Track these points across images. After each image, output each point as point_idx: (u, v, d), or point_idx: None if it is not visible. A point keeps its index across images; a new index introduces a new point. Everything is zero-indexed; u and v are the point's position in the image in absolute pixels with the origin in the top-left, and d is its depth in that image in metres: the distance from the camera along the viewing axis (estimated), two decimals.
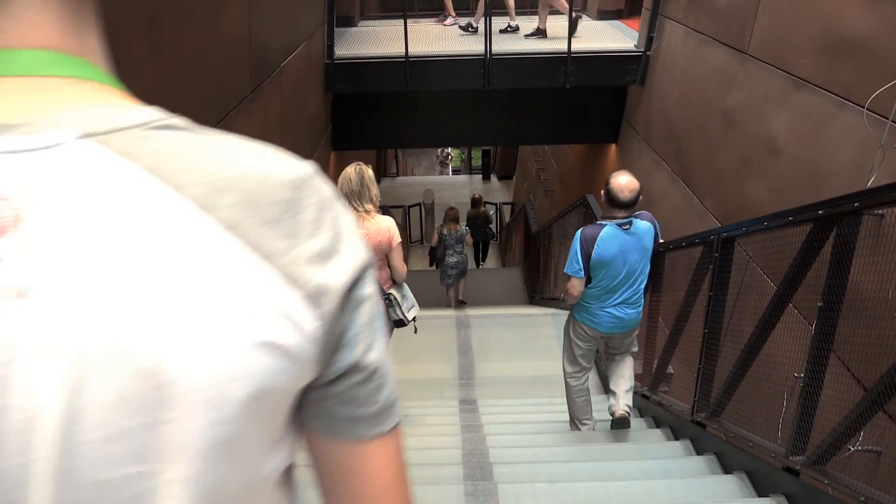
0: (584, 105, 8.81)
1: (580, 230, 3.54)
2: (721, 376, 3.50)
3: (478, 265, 13.02)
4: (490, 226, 12.56)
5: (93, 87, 0.53)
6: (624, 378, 4.01)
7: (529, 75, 7.99)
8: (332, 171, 9.17)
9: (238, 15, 4.32)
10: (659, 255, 4.53)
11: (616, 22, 9.64)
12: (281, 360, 0.51)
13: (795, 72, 4.08)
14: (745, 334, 3.23)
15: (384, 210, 5.11)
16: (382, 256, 3.80)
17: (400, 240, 3.86)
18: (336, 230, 0.54)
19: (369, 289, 0.56)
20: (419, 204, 14.80)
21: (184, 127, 0.53)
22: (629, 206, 3.46)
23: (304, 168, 0.55)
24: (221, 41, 4.03)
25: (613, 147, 8.85)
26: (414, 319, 3.97)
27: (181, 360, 0.48)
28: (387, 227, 3.75)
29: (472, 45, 8.10)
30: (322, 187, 0.55)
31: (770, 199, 4.29)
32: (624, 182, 3.44)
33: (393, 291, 3.90)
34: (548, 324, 6.75)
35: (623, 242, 3.48)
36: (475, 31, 8.48)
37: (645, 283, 3.68)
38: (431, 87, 8.17)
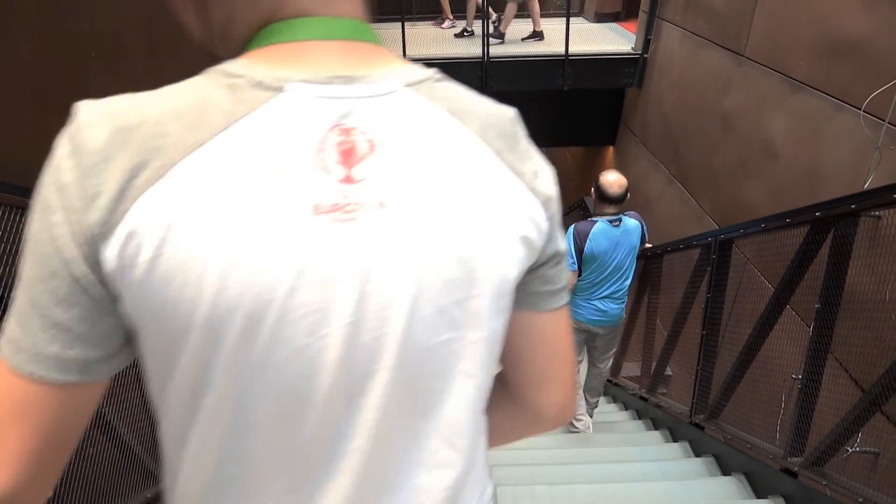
0: (581, 107, 8.83)
1: (573, 226, 3.64)
2: (719, 378, 3.50)
3: None
4: None
5: (381, 49, 0.66)
6: (594, 389, 4.24)
7: (527, 78, 8.01)
8: None
9: None
10: (656, 257, 4.54)
11: (613, 24, 9.66)
12: (528, 250, 0.67)
13: (792, 74, 4.09)
14: (743, 336, 3.23)
15: None
16: None
17: None
18: (535, 155, 0.70)
19: (548, 197, 0.70)
20: None
21: (447, 79, 0.67)
22: (619, 202, 3.59)
23: (511, 108, 0.70)
24: None
25: (611, 149, 8.87)
26: None
27: (484, 252, 0.63)
28: None
29: (470, 48, 8.11)
30: (522, 123, 0.71)
31: (767, 201, 4.30)
32: (613, 178, 3.59)
33: None
34: None
35: (613, 238, 3.60)
36: (471, 34, 8.49)
37: (630, 279, 3.79)
38: None
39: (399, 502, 0.68)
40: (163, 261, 0.55)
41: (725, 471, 3.29)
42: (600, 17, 10.04)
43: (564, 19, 7.72)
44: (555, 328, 0.76)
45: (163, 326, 0.57)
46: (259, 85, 0.59)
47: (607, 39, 8.83)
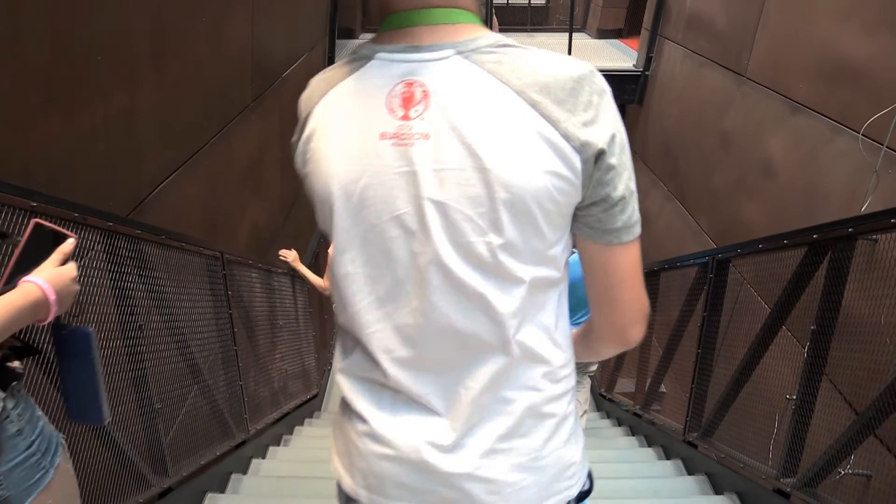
0: None
1: None
2: (713, 396, 3.51)
3: None
4: None
5: (467, 26, 0.90)
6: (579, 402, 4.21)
7: None
8: None
9: (242, 26, 4.35)
10: (653, 274, 4.55)
11: (615, 41, 9.72)
12: (560, 181, 0.85)
13: (792, 96, 4.12)
14: (739, 355, 3.24)
15: None
16: None
17: None
18: (599, 110, 0.85)
19: (615, 152, 0.87)
20: None
21: (513, 45, 0.88)
22: None
23: (585, 68, 0.87)
24: (224, 51, 4.05)
25: None
26: None
27: (502, 175, 0.84)
28: None
29: None
30: (597, 81, 0.87)
31: (765, 221, 4.32)
32: None
33: None
34: None
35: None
36: None
37: None
38: None
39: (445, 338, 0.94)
40: (309, 154, 0.96)
41: (718, 490, 3.29)
42: (603, 34, 10.10)
43: (567, 34, 7.77)
44: (610, 259, 0.94)
45: (315, 196, 0.97)
46: (362, 56, 0.93)
47: (609, 56, 8.88)
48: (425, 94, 0.87)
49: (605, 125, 0.85)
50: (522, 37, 9.87)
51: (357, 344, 1.01)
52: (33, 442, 1.17)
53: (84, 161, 2.41)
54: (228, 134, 4.10)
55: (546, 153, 0.84)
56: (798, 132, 4.04)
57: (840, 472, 2.53)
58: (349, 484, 1.05)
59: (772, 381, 3.06)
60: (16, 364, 1.16)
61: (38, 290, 1.12)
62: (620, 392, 5.32)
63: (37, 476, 1.17)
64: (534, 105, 0.84)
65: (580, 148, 0.84)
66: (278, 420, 4.43)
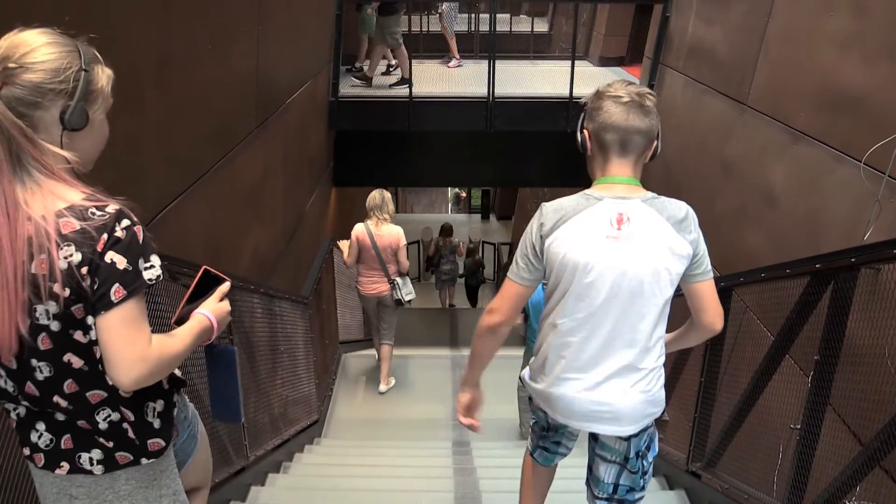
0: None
1: None
2: (717, 426, 3.48)
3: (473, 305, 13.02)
4: (482, 268, 12.69)
5: (639, 187, 1.99)
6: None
7: (531, 119, 8.08)
8: (333, 205, 9.22)
9: (247, 52, 4.40)
10: None
11: (617, 69, 9.79)
12: (683, 259, 1.96)
13: (794, 124, 4.14)
14: (742, 384, 3.22)
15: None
16: (392, 253, 5.57)
17: (405, 242, 5.73)
18: (691, 225, 1.98)
19: (696, 239, 2.00)
20: (418, 241, 14.82)
21: (658, 196, 1.98)
22: None
23: (687, 208, 1.99)
24: (229, 78, 4.09)
25: None
26: (409, 302, 5.83)
27: (664, 262, 1.94)
28: (397, 232, 5.61)
29: (475, 88, 8.21)
30: (692, 214, 2.02)
31: (767, 249, 4.32)
32: None
33: (397, 279, 5.69)
34: None
35: None
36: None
37: None
38: (433, 128, 8.26)
39: (621, 348, 2.00)
40: (552, 247, 1.96)
41: None
42: (605, 61, 10.18)
43: (570, 62, 7.83)
44: (700, 289, 2.04)
45: (553, 269, 1.99)
46: (594, 198, 1.96)
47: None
48: (629, 219, 1.93)
49: (692, 232, 1.97)
50: (526, 64, 9.95)
51: None
52: (191, 422, 1.75)
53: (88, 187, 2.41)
54: (232, 159, 4.12)
55: (678, 247, 1.95)
56: (800, 161, 4.05)
57: None
58: None
59: (776, 410, 3.04)
60: (179, 373, 1.65)
61: (207, 320, 1.57)
62: None
63: (193, 444, 1.77)
64: (672, 225, 1.94)
65: (692, 242, 1.97)
66: (278, 447, 4.39)
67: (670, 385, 4.17)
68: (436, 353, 7.83)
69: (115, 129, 2.81)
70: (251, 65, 4.49)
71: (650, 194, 1.96)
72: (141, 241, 1.38)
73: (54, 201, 1.32)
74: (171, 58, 3.09)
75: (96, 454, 1.50)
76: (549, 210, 1.96)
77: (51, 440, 1.49)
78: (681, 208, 1.95)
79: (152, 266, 1.39)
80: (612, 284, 1.91)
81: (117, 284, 1.33)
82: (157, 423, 1.55)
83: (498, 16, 8.97)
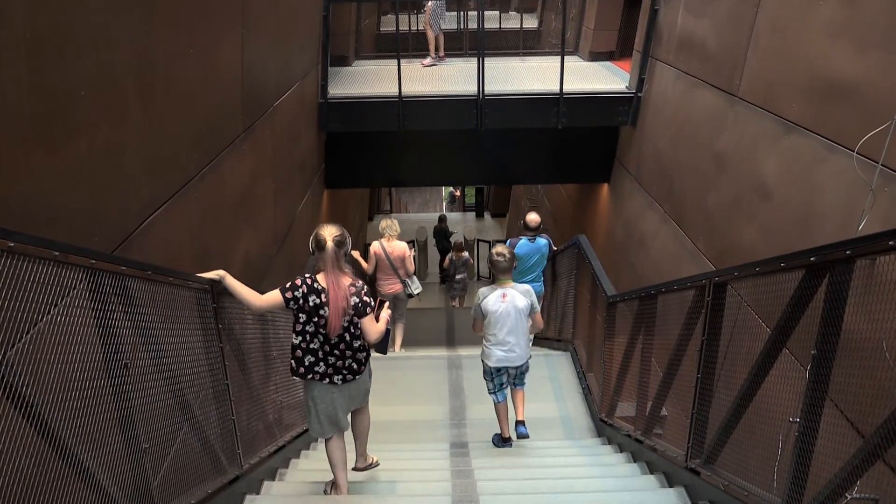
0: (576, 145, 8.87)
1: (509, 240, 7.54)
2: (715, 422, 3.44)
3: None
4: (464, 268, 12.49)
5: (512, 283, 5.13)
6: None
7: (522, 116, 8.05)
8: (326, 208, 9.17)
9: (231, 56, 4.34)
10: (651, 297, 4.52)
11: (607, 63, 9.76)
12: (528, 307, 4.93)
13: (785, 115, 4.11)
14: (740, 378, 3.18)
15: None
16: (401, 261, 7.28)
17: (409, 252, 7.54)
18: (532, 295, 4.90)
19: (533, 300, 4.90)
20: (412, 241, 14.78)
21: (517, 285, 4.98)
22: (535, 230, 7.15)
23: (528, 287, 4.94)
24: (213, 82, 4.04)
25: (605, 187, 8.89)
26: (418, 294, 7.64)
27: (522, 308, 4.77)
28: (403, 246, 7.41)
29: (465, 86, 8.17)
30: (531, 289, 4.94)
31: (762, 241, 4.29)
32: (531, 217, 7.21)
33: (406, 279, 7.39)
34: (541, 364, 6.68)
35: (530, 248, 7.15)
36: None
37: (542, 270, 7.41)
38: (424, 127, 8.22)
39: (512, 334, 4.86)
40: (483, 305, 4.83)
41: None
42: (595, 56, 10.14)
43: (559, 58, 7.79)
44: (536, 318, 4.92)
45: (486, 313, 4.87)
46: (494, 287, 4.87)
47: (602, 78, 8.90)
48: (508, 296, 4.72)
49: (534, 299, 4.85)
50: (515, 61, 9.91)
51: None
52: (367, 358, 3.71)
53: (67, 197, 2.37)
54: (219, 164, 4.07)
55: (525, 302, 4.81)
56: (792, 151, 4.02)
57: (846, 497, 2.46)
58: None
59: (774, 404, 3.00)
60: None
61: (384, 326, 3.64)
62: (620, 416, 5.24)
63: (369, 372, 3.81)
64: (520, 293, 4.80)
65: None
66: (273, 453, 4.35)
67: (666, 382, 4.14)
68: (433, 354, 7.79)
69: (97, 137, 2.77)
70: (235, 68, 4.44)
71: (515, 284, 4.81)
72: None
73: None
74: (152, 64, 3.04)
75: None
76: (480, 293, 4.73)
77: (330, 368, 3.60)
78: (528, 290, 4.82)
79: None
80: (503, 315, 4.70)
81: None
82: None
83: (486, 12, 8.93)
